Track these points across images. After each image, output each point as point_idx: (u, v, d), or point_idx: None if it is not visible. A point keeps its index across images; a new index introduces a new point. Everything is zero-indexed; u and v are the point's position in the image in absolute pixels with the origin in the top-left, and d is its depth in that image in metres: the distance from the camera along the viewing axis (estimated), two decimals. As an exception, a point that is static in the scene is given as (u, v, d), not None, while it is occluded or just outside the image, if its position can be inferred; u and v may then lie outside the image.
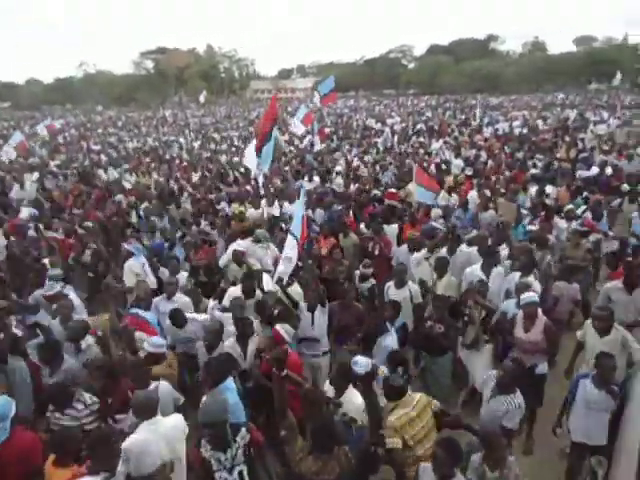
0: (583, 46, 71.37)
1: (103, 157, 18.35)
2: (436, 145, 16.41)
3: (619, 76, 37.76)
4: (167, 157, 17.98)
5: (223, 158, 17.19)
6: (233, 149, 19.73)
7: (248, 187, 10.97)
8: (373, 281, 6.15)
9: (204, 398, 3.52)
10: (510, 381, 3.86)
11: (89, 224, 8.30)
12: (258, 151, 9.05)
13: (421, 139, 18.34)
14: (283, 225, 7.98)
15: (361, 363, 3.70)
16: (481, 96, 50.49)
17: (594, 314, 4.53)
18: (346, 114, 36.28)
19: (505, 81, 60.49)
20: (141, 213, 9.37)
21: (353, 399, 3.79)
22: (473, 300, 5.13)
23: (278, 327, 4.47)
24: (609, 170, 11.44)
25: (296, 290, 5.58)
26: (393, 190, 9.71)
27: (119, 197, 10.77)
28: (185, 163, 16.03)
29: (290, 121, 16.07)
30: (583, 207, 8.24)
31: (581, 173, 11.04)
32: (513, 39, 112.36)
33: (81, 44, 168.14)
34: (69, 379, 3.99)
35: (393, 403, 3.57)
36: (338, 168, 12.50)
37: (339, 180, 11.22)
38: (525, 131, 19.96)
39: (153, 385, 3.89)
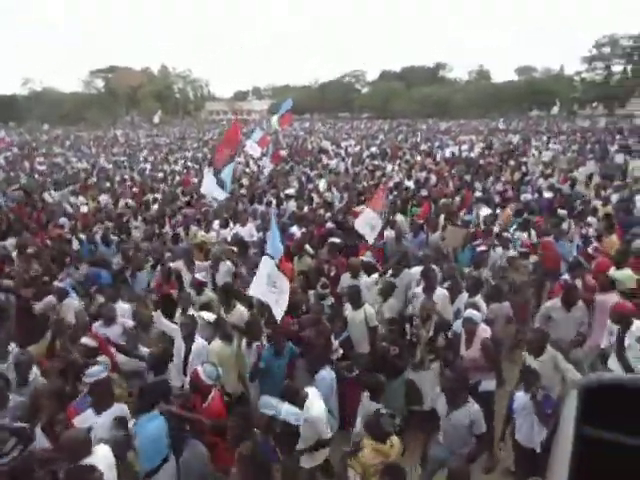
0: (524, 76, 75.96)
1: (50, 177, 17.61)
2: (389, 168, 16.88)
3: (557, 105, 40.35)
4: (117, 178, 17.45)
5: (177, 179, 16.89)
6: (186, 170, 19.43)
7: (204, 209, 10.82)
8: (332, 299, 6.15)
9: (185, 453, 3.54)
10: (454, 394, 3.95)
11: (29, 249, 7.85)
12: (218, 173, 9.01)
13: (375, 162, 18.73)
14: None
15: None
16: (431, 120, 52.58)
17: (528, 336, 4.70)
18: (301, 136, 36.71)
19: (454, 107, 63.25)
20: (83, 239, 8.87)
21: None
22: (429, 313, 5.16)
23: (199, 368, 4.22)
24: (550, 194, 12.05)
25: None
26: (357, 209, 9.81)
27: (62, 220, 10.29)
28: (136, 185, 15.61)
29: (246, 143, 16.11)
30: (514, 228, 8.60)
31: (525, 196, 11.56)
32: (460, 67, 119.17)
33: (26, 61, 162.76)
34: (16, 416, 3.74)
35: (372, 440, 3.53)
36: (291, 190, 12.52)
37: (292, 203, 11.23)
38: (472, 155, 20.81)
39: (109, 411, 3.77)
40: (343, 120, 68.37)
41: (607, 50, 62.28)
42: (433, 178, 14.44)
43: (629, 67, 61.85)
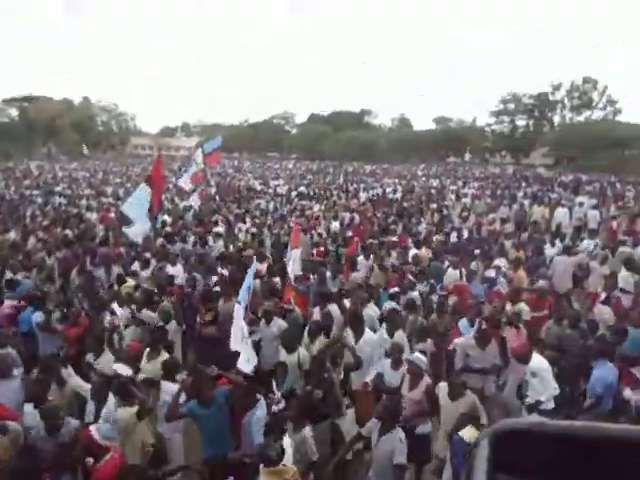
0: (441, 125, 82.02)
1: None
2: (316, 207, 17.24)
3: (468, 153, 43.97)
4: (28, 213, 16.24)
5: (94, 216, 15.99)
6: (105, 207, 18.50)
7: (121, 249, 10.28)
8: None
9: None
10: (388, 418, 4.10)
11: None
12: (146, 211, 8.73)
13: (303, 202, 19.03)
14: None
15: None
16: (357, 163, 54.70)
17: (448, 381, 4.87)
18: (230, 174, 36.61)
19: (378, 151, 66.39)
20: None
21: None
22: (340, 355, 5.19)
23: (93, 427, 3.91)
24: (466, 235, 12.87)
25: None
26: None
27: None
28: (48, 220, 14.57)
29: (175, 179, 16.01)
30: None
31: (438, 237, 12.21)
32: (384, 114, 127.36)
33: None
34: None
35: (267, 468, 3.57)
36: (219, 229, 12.30)
37: (220, 242, 11.03)
38: (396, 197, 21.81)
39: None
40: (272, 160, 69.32)
41: (512, 106, 68.93)
42: (357, 218, 14.90)
43: (531, 122, 68.78)
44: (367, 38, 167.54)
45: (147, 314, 6.62)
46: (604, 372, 5.20)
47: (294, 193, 22.69)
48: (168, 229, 12.86)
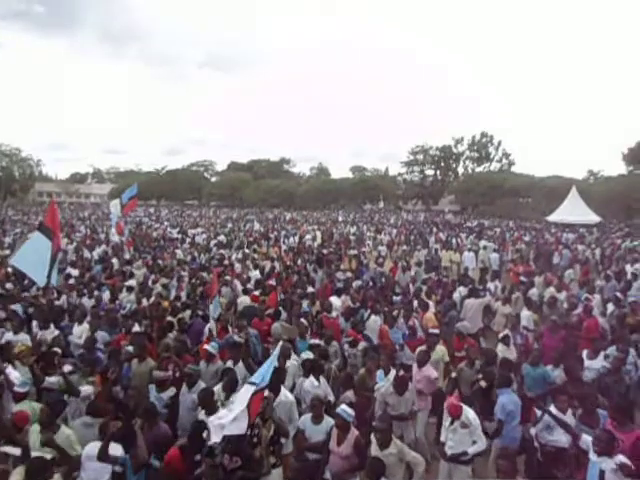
0: (358, 173, 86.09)
1: None
2: (234, 256, 17.01)
3: (382, 200, 46.57)
4: None
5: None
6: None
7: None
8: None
9: None
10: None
11: None
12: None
13: (222, 251, 18.67)
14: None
15: None
16: (277, 211, 55.33)
17: (374, 427, 4.86)
18: (146, 223, 35.27)
19: (298, 199, 67.78)
20: None
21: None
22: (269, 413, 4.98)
23: None
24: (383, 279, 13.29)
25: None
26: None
27: None
28: None
29: (84, 227, 15.40)
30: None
31: (356, 282, 12.50)
32: (303, 162, 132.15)
33: None
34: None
35: None
36: (132, 282, 11.63)
37: (132, 296, 10.42)
38: (316, 244, 22.17)
39: None
40: (191, 207, 68.06)
41: (421, 157, 74.38)
42: (277, 266, 14.86)
43: (438, 172, 74.47)
44: (284, 89, 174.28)
45: (50, 381, 5.96)
46: (505, 399, 5.57)
47: (213, 242, 22.26)
48: (72, 282, 11.93)
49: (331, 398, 5.96)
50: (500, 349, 7.70)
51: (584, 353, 7.46)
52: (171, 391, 5.97)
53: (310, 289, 11.03)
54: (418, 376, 6.43)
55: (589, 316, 9.14)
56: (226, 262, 15.55)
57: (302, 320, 8.31)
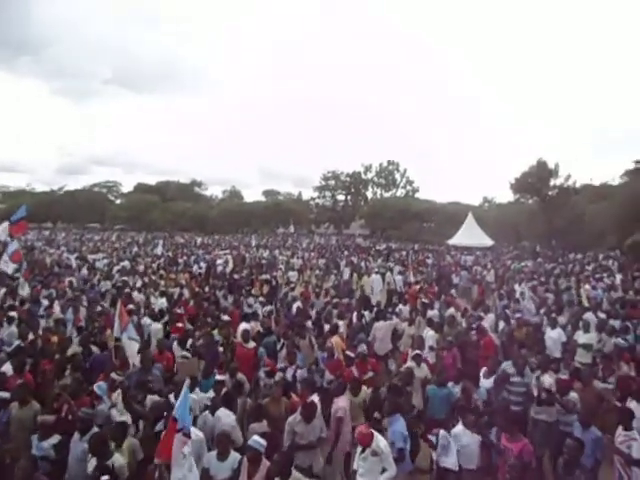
0: (271, 197, 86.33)
1: None
2: (139, 283, 16.08)
3: (292, 225, 47.74)
4: None
5: None
6: None
7: None
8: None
9: None
10: None
11: None
12: None
13: (124, 277, 17.55)
14: None
15: None
16: (188, 235, 53.58)
17: (274, 460, 4.77)
18: (39, 247, 32.27)
19: (210, 222, 66.23)
20: None
21: None
22: None
23: None
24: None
25: None
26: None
27: None
28: None
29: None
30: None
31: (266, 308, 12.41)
32: (215, 185, 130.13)
33: None
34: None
35: None
36: (13, 313, 10.43)
37: (13, 328, 9.37)
38: (227, 269, 21.66)
39: None
40: (93, 231, 63.60)
41: (332, 182, 76.68)
42: (186, 293, 14.29)
43: (349, 197, 77.16)
44: (196, 109, 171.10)
45: None
46: (399, 426, 5.65)
47: (116, 268, 20.86)
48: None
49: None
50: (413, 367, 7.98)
51: (482, 372, 7.95)
52: (55, 438, 5.33)
53: (225, 317, 10.68)
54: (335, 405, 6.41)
55: (484, 335, 9.78)
56: (127, 290, 14.61)
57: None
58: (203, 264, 23.24)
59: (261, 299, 13.79)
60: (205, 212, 70.07)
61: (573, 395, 6.67)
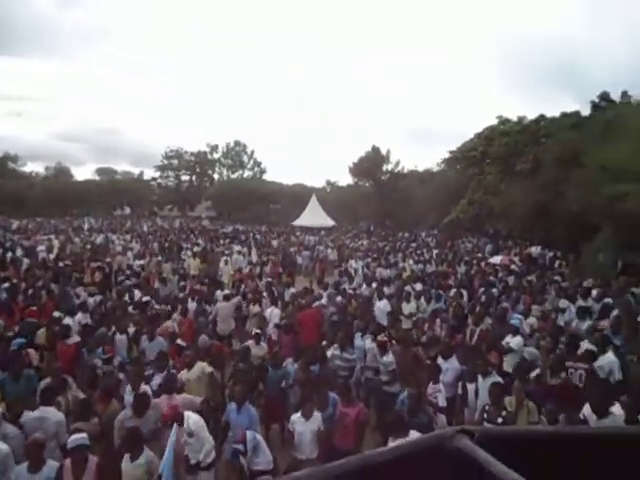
0: (106, 175, 78.33)
1: None
2: None
3: (127, 206, 44.77)
4: None
5: None
6: None
7: None
8: None
9: None
10: None
11: None
12: None
13: None
14: None
15: None
16: (1, 217, 46.12)
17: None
18: None
19: (30, 203, 57.74)
20: None
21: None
22: None
23: None
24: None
25: None
26: None
27: None
28: None
29: None
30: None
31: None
32: (37, 161, 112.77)
33: None
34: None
35: None
36: None
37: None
38: (51, 256, 19.23)
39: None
40: None
41: (175, 162, 72.78)
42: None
43: (194, 177, 74.16)
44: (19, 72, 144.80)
45: None
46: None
47: None
48: None
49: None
50: (252, 346, 8.10)
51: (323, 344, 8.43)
52: None
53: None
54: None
55: (311, 308, 10.43)
56: None
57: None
58: (21, 251, 20.23)
59: (91, 288, 12.60)
60: (23, 192, 60.80)
61: (390, 358, 7.50)
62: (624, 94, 24.99)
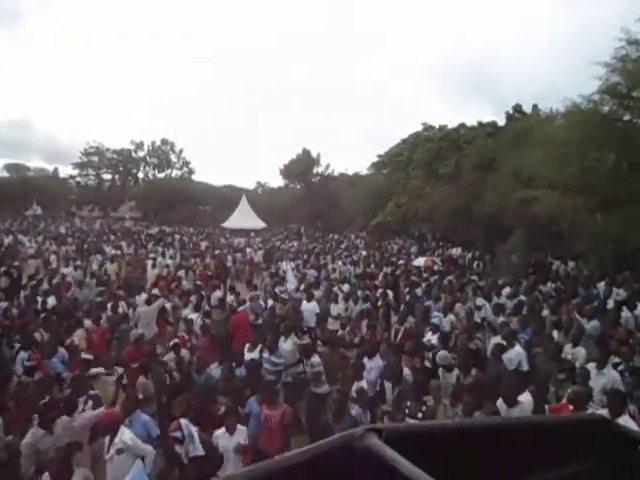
0: (16, 172, 72.20)
1: None
2: None
3: (36, 205, 42.93)
4: None
5: None
6: None
7: None
8: None
9: None
10: None
11: None
12: None
13: None
14: None
15: None
16: None
17: None
18: None
19: None
20: None
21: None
22: None
23: None
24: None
25: None
26: None
27: None
28: None
29: None
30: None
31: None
32: None
33: None
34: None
35: None
36: None
37: None
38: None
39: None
40: None
41: (96, 159, 68.67)
42: None
43: (117, 176, 70.37)
44: None
45: None
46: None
47: None
48: None
49: None
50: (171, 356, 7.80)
51: (246, 347, 8.30)
52: None
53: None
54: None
55: (236, 312, 10.32)
56: None
57: None
58: None
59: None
60: None
61: (316, 359, 7.54)
62: (534, 107, 27.05)
